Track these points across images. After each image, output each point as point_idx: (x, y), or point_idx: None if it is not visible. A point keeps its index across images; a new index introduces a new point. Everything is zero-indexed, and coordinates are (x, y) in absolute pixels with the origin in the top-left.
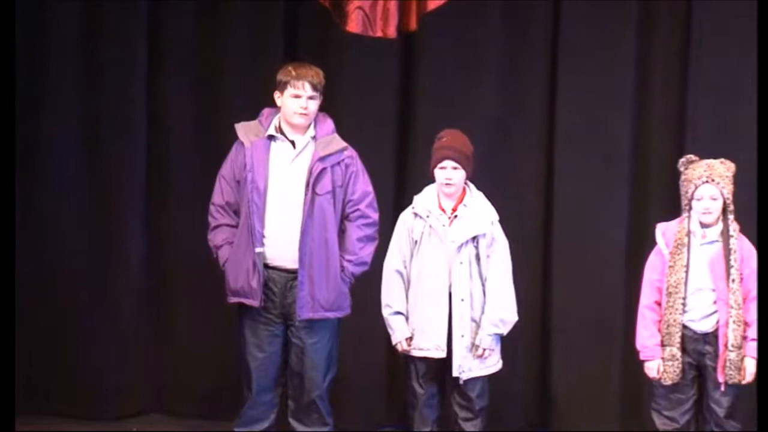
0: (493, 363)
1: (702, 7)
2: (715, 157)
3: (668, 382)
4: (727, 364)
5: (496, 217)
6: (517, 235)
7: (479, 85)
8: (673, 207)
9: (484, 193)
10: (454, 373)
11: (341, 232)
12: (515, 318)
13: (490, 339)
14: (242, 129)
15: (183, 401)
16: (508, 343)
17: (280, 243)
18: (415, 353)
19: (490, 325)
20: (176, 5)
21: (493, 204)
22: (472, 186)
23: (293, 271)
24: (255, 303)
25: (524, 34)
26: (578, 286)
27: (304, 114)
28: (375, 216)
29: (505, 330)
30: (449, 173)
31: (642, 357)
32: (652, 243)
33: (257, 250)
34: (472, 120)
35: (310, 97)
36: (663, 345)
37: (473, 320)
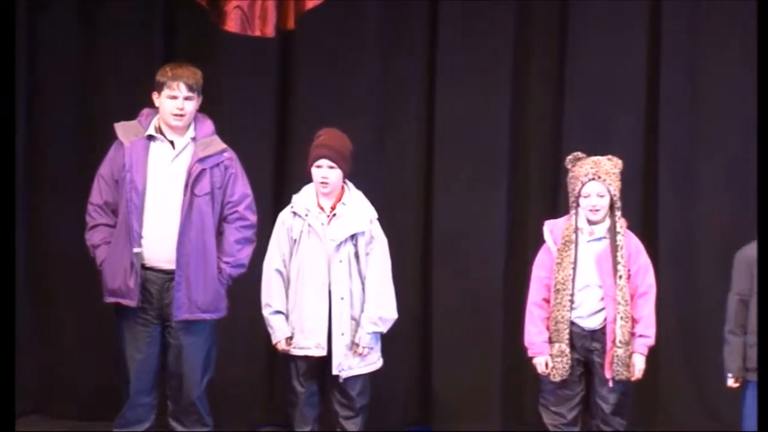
0: (373, 361)
1: (579, 6)
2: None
3: (557, 379)
4: (615, 360)
5: (375, 215)
6: (397, 233)
7: (358, 84)
8: (552, 204)
9: (363, 192)
10: (334, 372)
11: (219, 233)
12: (395, 316)
13: (370, 337)
14: (121, 129)
15: (62, 402)
16: (388, 341)
17: (158, 243)
18: (296, 352)
19: (369, 324)
20: (55, 6)
21: (372, 202)
22: (350, 185)
23: (170, 272)
24: (132, 303)
25: (402, 34)
26: (458, 283)
27: (180, 115)
28: (253, 218)
29: (384, 328)
30: (325, 172)
31: (530, 354)
32: (532, 240)
33: (135, 250)
34: (351, 119)
35: (187, 98)
36: (551, 341)
37: (353, 318)
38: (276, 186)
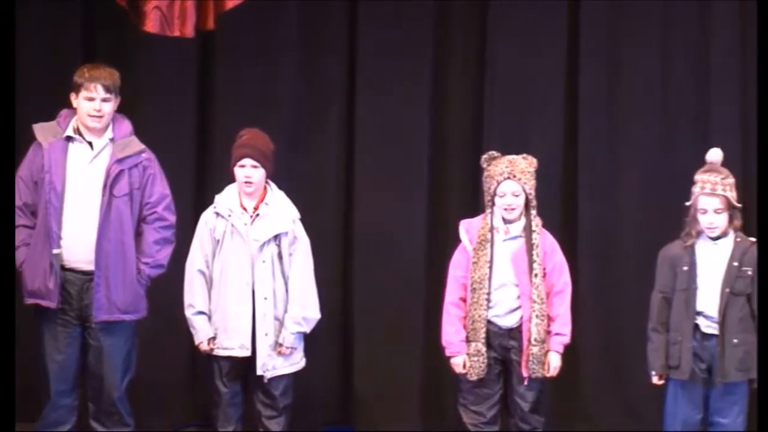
0: (297, 361)
1: (498, 6)
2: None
3: (474, 378)
4: (531, 358)
5: (297, 215)
6: (318, 233)
7: (278, 84)
8: (472, 204)
9: (286, 192)
10: (258, 372)
11: (138, 234)
12: (317, 316)
13: (294, 337)
14: (40, 130)
15: None
16: (310, 340)
17: (77, 244)
18: (219, 352)
19: (292, 324)
20: None
21: (294, 202)
22: (273, 185)
23: (90, 273)
24: (52, 304)
25: (322, 34)
26: (379, 284)
27: (97, 116)
28: (172, 219)
29: (308, 328)
30: (249, 171)
31: (448, 353)
32: (452, 240)
33: (54, 251)
34: (273, 119)
35: (104, 99)
36: (468, 341)
37: (276, 318)
38: (197, 186)
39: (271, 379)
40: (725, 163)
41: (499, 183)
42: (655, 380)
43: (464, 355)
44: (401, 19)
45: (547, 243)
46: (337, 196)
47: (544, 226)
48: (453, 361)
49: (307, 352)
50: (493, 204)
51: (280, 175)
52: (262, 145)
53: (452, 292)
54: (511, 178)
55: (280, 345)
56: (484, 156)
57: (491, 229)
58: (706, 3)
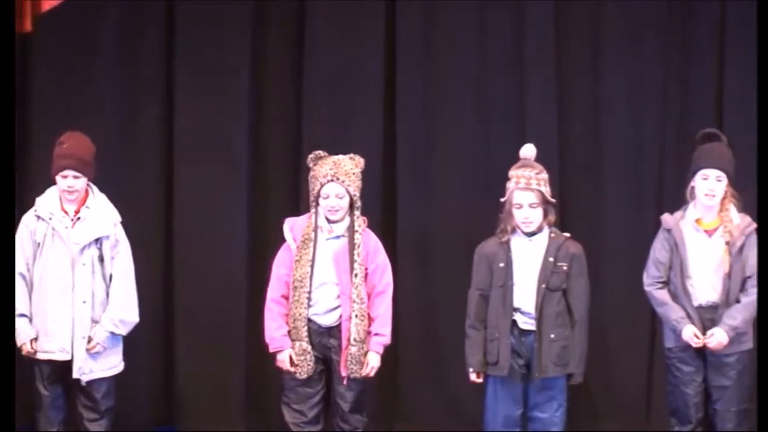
0: (115, 365)
1: (315, 6)
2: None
3: (304, 376)
4: (349, 358)
5: (118, 218)
6: (139, 236)
7: (97, 88)
8: (293, 203)
9: (107, 195)
10: (75, 375)
11: None
12: (136, 319)
13: (106, 335)
14: None
15: None
16: (132, 342)
17: None
18: (40, 356)
19: (109, 323)
20: None
21: (114, 205)
22: (94, 188)
23: None
24: None
25: (140, 36)
26: (200, 283)
27: None
28: None
29: (125, 330)
30: (71, 182)
31: (271, 349)
32: (273, 239)
33: None
34: (93, 122)
35: None
36: (293, 340)
37: (94, 321)
38: (18, 189)
39: (91, 382)
40: (540, 161)
41: (323, 185)
42: (473, 377)
43: (289, 350)
44: (219, 20)
45: (370, 243)
46: (157, 197)
47: (368, 226)
48: (278, 357)
49: (131, 352)
50: (318, 204)
51: (101, 177)
52: (84, 153)
53: (274, 289)
54: (335, 180)
55: (90, 340)
56: (311, 156)
57: (315, 228)
58: (520, 5)
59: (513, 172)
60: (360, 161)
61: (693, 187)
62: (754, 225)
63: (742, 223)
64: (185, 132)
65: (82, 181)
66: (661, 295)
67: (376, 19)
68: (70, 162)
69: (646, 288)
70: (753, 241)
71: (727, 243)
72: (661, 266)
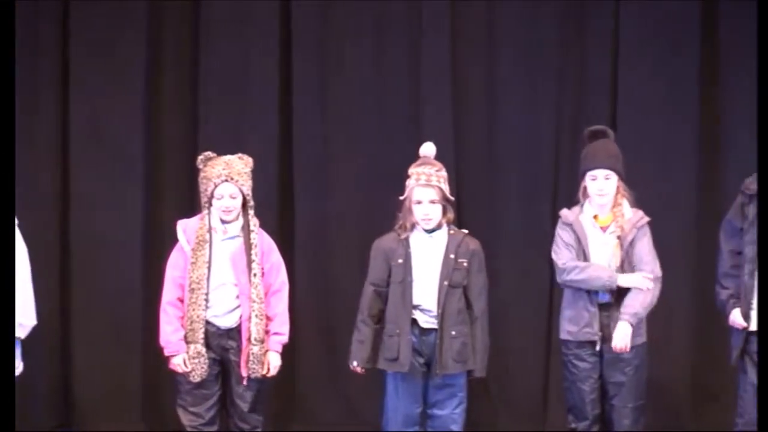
0: None
1: (208, 6)
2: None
3: (198, 379)
4: (250, 358)
5: (16, 221)
6: (35, 238)
7: None
8: (188, 203)
9: None
10: None
11: None
12: (34, 322)
13: None
14: None
15: None
16: (29, 344)
17: None
18: None
19: None
20: None
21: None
22: None
23: None
24: None
25: (35, 34)
26: (96, 284)
27: None
28: None
29: (23, 334)
30: None
31: (167, 353)
32: (168, 240)
33: None
34: None
35: None
36: (188, 342)
37: None
38: None
39: None
40: (437, 159)
41: (216, 185)
42: (358, 370)
43: (184, 354)
44: (114, 18)
45: (264, 243)
46: (52, 200)
47: (262, 225)
48: (173, 360)
49: (28, 356)
50: (211, 205)
51: None
52: None
53: (169, 292)
54: (229, 180)
55: None
56: (200, 157)
57: (209, 230)
58: (416, 4)
59: (413, 170)
60: (249, 161)
61: (585, 187)
62: (646, 219)
63: (633, 217)
64: (79, 131)
65: None
66: (579, 262)
67: (271, 18)
68: None
69: (561, 265)
70: (644, 232)
71: (619, 237)
72: (573, 249)
